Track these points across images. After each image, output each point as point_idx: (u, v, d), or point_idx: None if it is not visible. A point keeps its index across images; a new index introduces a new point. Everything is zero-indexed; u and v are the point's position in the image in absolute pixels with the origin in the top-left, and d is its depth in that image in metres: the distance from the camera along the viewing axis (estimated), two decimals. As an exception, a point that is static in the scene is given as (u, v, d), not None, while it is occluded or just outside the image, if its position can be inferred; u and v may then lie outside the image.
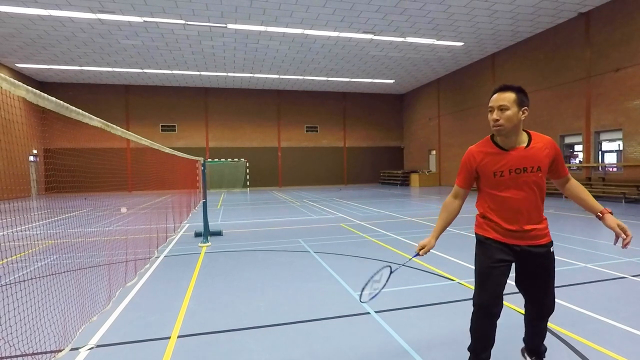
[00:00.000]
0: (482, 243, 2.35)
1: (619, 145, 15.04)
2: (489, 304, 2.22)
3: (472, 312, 2.35)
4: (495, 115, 2.15)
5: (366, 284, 2.44)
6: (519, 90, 2.17)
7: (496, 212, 2.26)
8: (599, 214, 2.29)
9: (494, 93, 2.20)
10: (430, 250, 2.34)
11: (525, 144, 2.19)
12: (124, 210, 5.87)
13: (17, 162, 18.56)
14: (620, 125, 14.59)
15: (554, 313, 3.67)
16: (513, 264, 2.34)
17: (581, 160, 16.60)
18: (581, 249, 6.56)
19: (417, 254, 2.33)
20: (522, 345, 2.71)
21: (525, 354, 2.62)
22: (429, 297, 4.25)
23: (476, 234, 2.42)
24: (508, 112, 2.12)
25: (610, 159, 15.73)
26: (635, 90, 13.94)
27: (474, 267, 2.41)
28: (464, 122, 24.06)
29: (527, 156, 2.17)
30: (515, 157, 2.17)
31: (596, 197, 14.06)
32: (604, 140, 15.67)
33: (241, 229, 9.68)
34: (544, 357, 2.59)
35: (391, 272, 2.44)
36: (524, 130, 2.23)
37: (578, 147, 16.89)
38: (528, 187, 2.18)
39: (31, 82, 24.08)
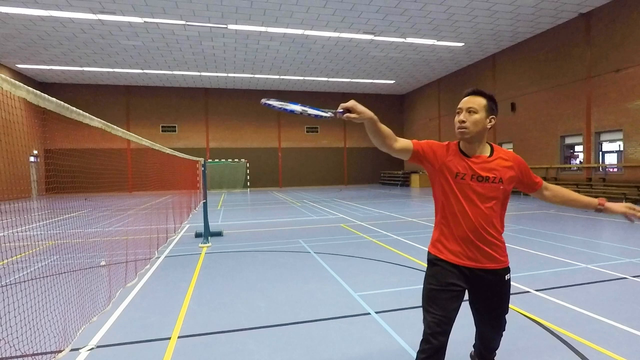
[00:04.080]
0: (432, 264, 2.17)
1: (619, 145, 15.03)
2: (432, 331, 1.97)
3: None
4: (462, 116, 2.06)
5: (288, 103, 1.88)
6: (490, 98, 2.10)
7: (451, 224, 2.10)
8: (599, 207, 2.20)
9: (465, 96, 2.13)
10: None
11: (488, 154, 2.12)
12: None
13: (17, 162, 18.58)
14: (621, 125, 14.58)
15: (554, 314, 3.71)
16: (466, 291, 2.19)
17: (581, 160, 16.59)
18: (582, 249, 6.55)
19: (342, 112, 1.82)
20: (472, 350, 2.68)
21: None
22: (429, 298, 4.24)
23: (428, 253, 2.24)
24: (476, 116, 2.04)
25: (611, 159, 15.72)
26: (636, 90, 13.93)
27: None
28: (465, 122, 24.04)
29: (489, 166, 2.07)
30: (477, 165, 2.07)
31: (597, 198, 13.98)
32: (605, 141, 15.66)
33: (241, 230, 9.68)
34: None
35: (316, 115, 1.86)
36: (487, 143, 2.17)
37: (578, 148, 16.88)
38: (486, 200, 2.04)
39: (32, 82, 24.10)
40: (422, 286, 2.23)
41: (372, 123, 1.89)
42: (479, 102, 2.06)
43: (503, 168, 2.08)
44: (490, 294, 2.15)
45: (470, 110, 2.05)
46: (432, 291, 2.07)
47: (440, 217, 2.17)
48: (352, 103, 1.81)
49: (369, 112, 1.86)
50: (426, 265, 2.24)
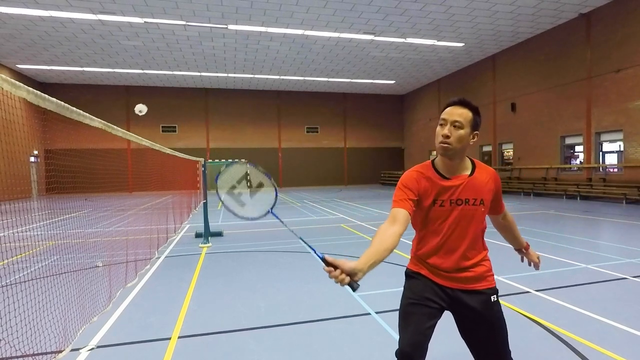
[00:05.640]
0: (410, 277, 2.06)
1: (619, 146, 15.03)
2: (407, 351, 1.84)
3: None
4: (446, 130, 1.87)
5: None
6: (476, 112, 1.94)
7: (431, 251, 1.99)
8: (523, 249, 2.28)
9: (450, 105, 1.92)
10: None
11: (468, 172, 1.95)
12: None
13: (17, 163, 18.57)
14: (621, 126, 14.58)
15: (554, 313, 3.71)
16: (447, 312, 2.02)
17: (582, 161, 16.59)
18: (582, 249, 6.55)
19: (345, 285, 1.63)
20: None
21: None
22: (429, 298, 4.24)
23: (407, 268, 2.14)
24: (461, 132, 1.86)
25: (611, 159, 15.72)
26: (636, 91, 13.93)
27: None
28: (465, 122, 24.07)
29: (470, 186, 1.92)
30: (457, 186, 1.91)
31: (597, 198, 13.91)
32: (605, 141, 15.66)
33: (242, 230, 9.69)
34: None
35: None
36: (468, 157, 2.02)
37: (579, 148, 16.88)
38: (466, 222, 1.92)
39: (32, 83, 24.10)
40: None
41: (370, 268, 1.70)
42: (466, 115, 1.89)
43: (484, 187, 1.96)
44: (478, 317, 1.94)
45: (455, 125, 1.88)
46: (408, 305, 1.95)
47: (419, 246, 2.07)
48: (342, 268, 1.62)
49: (360, 266, 1.66)
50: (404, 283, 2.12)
